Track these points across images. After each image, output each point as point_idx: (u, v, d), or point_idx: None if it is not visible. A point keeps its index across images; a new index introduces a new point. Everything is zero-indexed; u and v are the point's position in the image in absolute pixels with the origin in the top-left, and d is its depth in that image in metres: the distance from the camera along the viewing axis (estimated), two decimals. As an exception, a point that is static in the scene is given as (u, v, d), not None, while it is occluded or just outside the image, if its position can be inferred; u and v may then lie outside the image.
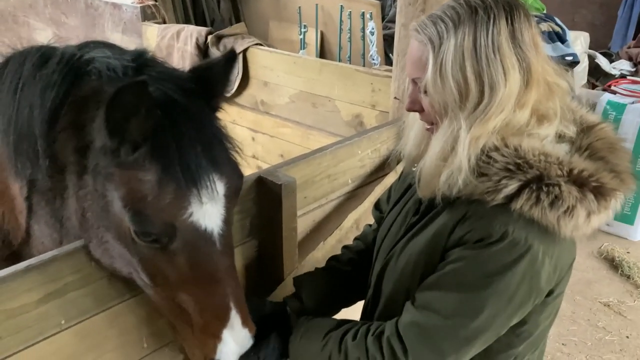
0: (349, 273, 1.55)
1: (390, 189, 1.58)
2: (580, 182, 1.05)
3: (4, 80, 1.32)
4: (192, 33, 3.59)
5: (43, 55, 1.28)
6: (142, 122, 1.08)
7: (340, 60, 3.78)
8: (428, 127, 1.21)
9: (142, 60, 1.26)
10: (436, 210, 1.19)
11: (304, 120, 3.22)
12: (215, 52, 3.52)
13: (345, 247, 1.64)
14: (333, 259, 1.62)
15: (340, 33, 3.76)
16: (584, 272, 3.81)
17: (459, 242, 1.11)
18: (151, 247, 1.16)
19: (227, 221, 1.21)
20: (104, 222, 1.20)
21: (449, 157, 1.10)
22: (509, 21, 1.06)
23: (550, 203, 1.03)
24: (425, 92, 1.13)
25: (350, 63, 3.67)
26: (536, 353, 1.27)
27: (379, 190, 2.02)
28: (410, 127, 1.33)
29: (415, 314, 1.15)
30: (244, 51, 3.41)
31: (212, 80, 1.24)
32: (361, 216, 1.96)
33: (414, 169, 1.30)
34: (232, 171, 1.22)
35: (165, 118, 1.12)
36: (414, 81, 1.17)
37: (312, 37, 3.94)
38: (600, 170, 1.07)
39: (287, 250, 1.73)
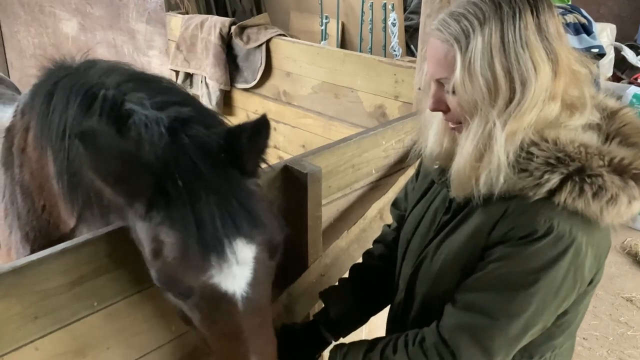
0: (374, 280, 1.54)
1: (405, 188, 1.56)
2: (620, 170, 1.05)
3: (51, 119, 1.34)
4: (216, 23, 3.61)
5: (85, 97, 1.29)
6: (131, 174, 1.06)
7: (361, 52, 3.77)
8: (453, 126, 1.19)
9: (178, 119, 1.21)
10: (470, 207, 1.17)
11: (326, 111, 3.23)
12: (238, 43, 3.54)
13: (366, 253, 1.62)
14: (356, 267, 1.60)
15: (362, 24, 3.75)
16: (606, 267, 3.74)
17: (502, 240, 1.09)
18: (181, 302, 1.18)
19: (255, 283, 1.15)
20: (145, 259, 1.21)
21: (485, 157, 1.08)
22: (534, 13, 1.05)
23: (593, 194, 1.03)
24: (453, 92, 1.11)
25: (371, 54, 3.66)
26: (570, 342, 1.27)
27: (402, 180, 2.03)
28: (429, 125, 1.30)
29: (459, 316, 1.13)
30: (267, 42, 3.42)
31: (244, 147, 1.17)
32: (385, 206, 1.97)
33: (435, 167, 1.29)
34: (264, 233, 1.16)
35: (185, 185, 1.09)
36: (438, 81, 1.14)
37: (333, 28, 3.94)
38: (638, 157, 1.07)
39: (312, 238, 1.75)
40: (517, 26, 1.04)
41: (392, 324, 1.43)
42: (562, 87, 1.09)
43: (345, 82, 3.06)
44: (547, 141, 1.07)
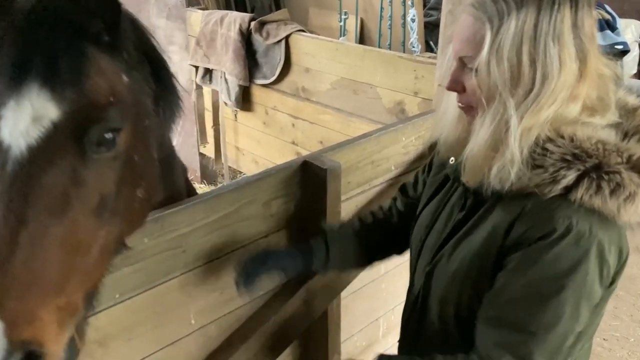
0: (377, 235, 1.54)
1: (416, 176, 1.53)
2: (639, 167, 1.03)
3: None
4: (236, 19, 3.62)
5: None
6: None
7: (380, 48, 3.75)
8: (462, 105, 1.16)
9: None
10: (486, 206, 1.15)
11: (344, 107, 3.22)
12: (258, 39, 3.54)
13: (371, 213, 1.60)
14: (361, 219, 1.58)
15: (381, 20, 3.73)
16: (627, 267, 3.71)
17: (520, 240, 1.06)
18: None
19: (45, 150, 0.93)
20: None
21: (500, 148, 1.06)
22: (573, 9, 1.02)
23: (611, 191, 1.00)
24: (475, 71, 1.08)
25: (390, 50, 3.64)
26: (588, 344, 1.25)
27: (422, 177, 2.01)
28: (444, 112, 1.27)
29: (495, 334, 1.09)
30: (287, 37, 3.42)
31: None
32: (404, 203, 1.96)
33: (451, 162, 1.27)
34: (85, 102, 0.96)
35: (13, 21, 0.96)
36: (461, 59, 1.12)
37: (352, 24, 3.92)
38: None
39: (331, 234, 1.75)
40: (553, 18, 1.01)
41: (409, 323, 1.40)
42: (585, 89, 1.07)
43: (365, 78, 3.04)
44: (563, 137, 1.05)
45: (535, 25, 1.02)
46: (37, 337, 0.86)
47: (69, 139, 0.95)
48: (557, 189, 1.03)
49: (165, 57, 1.33)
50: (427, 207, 1.35)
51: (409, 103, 2.81)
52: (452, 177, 1.27)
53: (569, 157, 1.03)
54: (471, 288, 1.16)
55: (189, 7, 4.08)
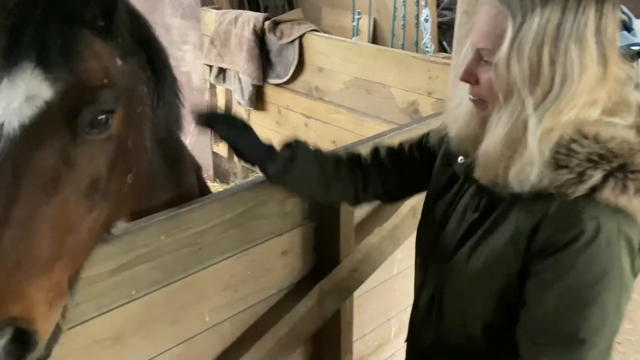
0: (351, 174, 1.49)
1: (426, 138, 1.47)
2: None
3: None
4: (250, 19, 3.64)
5: None
6: None
7: (392, 48, 3.75)
8: (474, 98, 1.14)
9: None
10: (503, 207, 1.13)
11: (357, 107, 3.22)
12: (271, 38, 3.56)
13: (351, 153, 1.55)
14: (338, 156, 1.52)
15: (394, 20, 3.73)
16: (642, 271, 3.68)
17: (547, 245, 1.04)
18: None
19: (36, 128, 0.94)
20: None
21: (518, 148, 1.05)
22: (598, 13, 1.00)
23: (636, 190, 1.00)
24: (494, 66, 1.05)
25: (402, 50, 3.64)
26: None
27: (435, 177, 2.01)
28: (458, 105, 1.24)
29: (543, 348, 1.07)
30: (300, 37, 3.43)
31: None
32: (418, 203, 1.95)
33: (460, 161, 1.24)
34: (70, 84, 0.97)
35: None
36: (478, 51, 1.09)
37: (365, 24, 3.92)
38: None
39: (344, 233, 1.76)
40: (577, 20, 0.99)
41: (418, 325, 1.38)
42: (605, 93, 1.05)
43: (378, 78, 3.04)
44: (587, 137, 1.04)
45: (559, 26, 1.00)
46: (26, 314, 0.86)
47: (61, 119, 0.96)
48: (583, 189, 1.01)
49: (164, 48, 1.34)
50: (435, 206, 1.32)
51: (422, 103, 2.81)
52: (463, 177, 1.24)
53: (595, 157, 1.02)
54: (496, 293, 1.14)
55: (203, 6, 4.10)
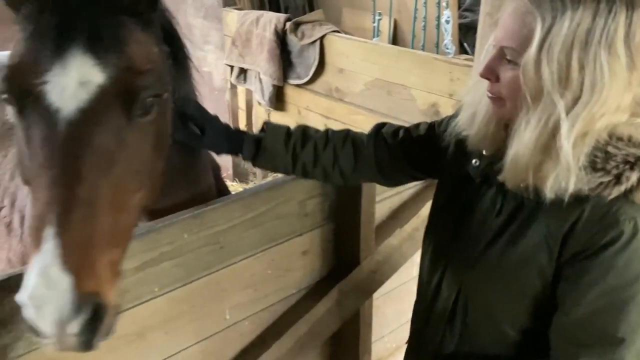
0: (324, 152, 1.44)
1: (437, 129, 1.41)
2: None
3: None
4: (271, 19, 3.66)
5: None
6: None
7: (413, 49, 3.74)
8: (492, 95, 1.11)
9: None
10: (529, 211, 1.11)
11: (377, 108, 3.22)
12: (293, 39, 3.57)
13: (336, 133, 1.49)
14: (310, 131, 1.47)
15: (415, 21, 3.71)
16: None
17: (584, 248, 1.04)
18: (15, 118, 1.04)
19: (92, 112, 0.98)
20: None
21: (551, 153, 1.03)
22: (628, 20, 0.98)
23: None
24: (517, 65, 1.04)
25: (423, 52, 3.63)
26: None
27: (456, 180, 2.00)
28: (476, 103, 1.20)
29: (581, 350, 1.06)
30: (321, 38, 3.44)
31: None
32: (438, 205, 1.95)
33: (474, 163, 1.21)
34: (125, 68, 1.02)
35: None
36: (502, 49, 1.07)
37: (385, 25, 3.91)
38: None
39: (364, 234, 1.76)
40: (607, 25, 0.98)
41: (433, 331, 1.32)
42: (630, 99, 1.04)
43: (399, 79, 3.04)
44: (621, 139, 1.03)
45: (589, 30, 0.98)
46: (100, 290, 0.91)
47: (114, 102, 1.01)
48: (620, 190, 1.01)
49: (185, 41, 1.39)
50: (447, 209, 1.30)
51: (443, 105, 2.79)
52: (479, 179, 1.22)
53: (631, 159, 1.01)
54: (527, 297, 1.13)
55: (225, 7, 4.13)
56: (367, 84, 3.25)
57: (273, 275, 1.65)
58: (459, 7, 4.17)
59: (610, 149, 1.03)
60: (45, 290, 0.87)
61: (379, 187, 1.80)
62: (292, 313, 1.72)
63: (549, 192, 1.04)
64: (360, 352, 1.91)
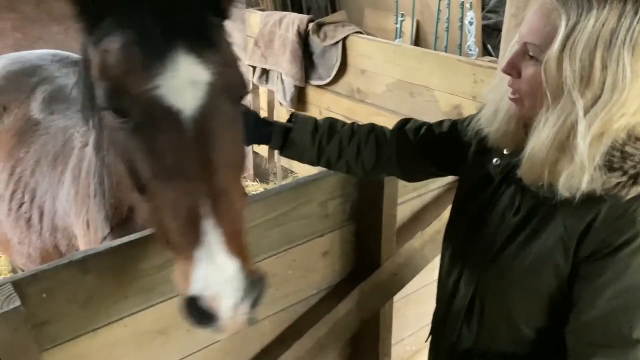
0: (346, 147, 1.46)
1: (460, 125, 1.42)
2: None
3: None
4: (294, 21, 3.67)
5: None
6: None
7: (436, 51, 3.72)
8: (512, 97, 1.11)
9: None
10: (547, 209, 1.11)
11: (400, 109, 3.21)
12: (315, 40, 3.58)
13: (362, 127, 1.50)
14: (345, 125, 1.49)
15: (438, 23, 3.69)
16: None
17: (600, 247, 1.03)
18: (124, 128, 1.04)
19: (210, 115, 1.02)
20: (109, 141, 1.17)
21: (567, 151, 1.03)
22: None
23: None
24: (539, 62, 1.03)
25: (446, 53, 3.60)
26: None
27: (479, 183, 1.99)
28: (499, 100, 1.20)
29: (595, 351, 1.06)
30: (344, 39, 3.44)
31: None
32: (461, 208, 1.94)
33: (495, 162, 1.22)
34: (223, 63, 1.06)
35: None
36: (525, 45, 1.07)
37: (408, 27, 3.90)
38: None
39: (386, 236, 1.76)
40: (633, 27, 0.97)
41: (452, 327, 1.34)
42: None
43: (422, 81, 3.02)
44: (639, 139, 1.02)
45: (614, 31, 0.97)
46: (253, 266, 1.00)
47: (223, 97, 1.05)
48: (637, 191, 1.00)
49: None
50: (468, 207, 1.30)
51: (466, 107, 2.77)
52: (499, 178, 1.22)
53: None
54: (543, 296, 1.13)
55: (248, 8, 4.16)
56: (389, 85, 3.25)
57: (294, 276, 1.65)
58: (483, 9, 4.13)
59: (628, 149, 1.02)
60: (220, 278, 0.93)
61: (401, 189, 1.79)
62: (312, 314, 1.72)
63: (562, 190, 1.04)
64: (380, 355, 1.91)
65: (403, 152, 1.46)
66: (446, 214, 1.93)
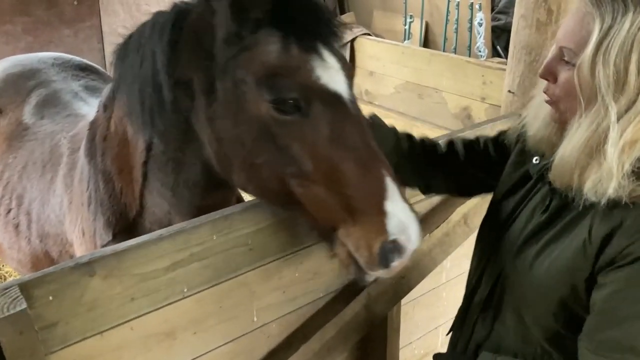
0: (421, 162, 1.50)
1: (502, 135, 1.46)
2: None
3: (131, 51, 1.42)
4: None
5: (157, 14, 1.39)
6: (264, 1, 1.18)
7: (445, 52, 3.70)
8: (548, 99, 1.12)
9: None
10: (576, 213, 1.09)
11: (408, 111, 3.20)
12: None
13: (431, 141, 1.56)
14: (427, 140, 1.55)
15: (447, 24, 3.68)
16: None
17: (620, 256, 1.01)
18: (294, 120, 1.20)
19: (351, 89, 1.26)
20: (242, 127, 1.26)
21: (595, 156, 1.01)
22: None
23: None
24: (577, 68, 1.03)
25: (455, 55, 3.59)
26: None
27: (488, 185, 1.97)
28: (539, 106, 1.22)
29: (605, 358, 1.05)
30: (352, 41, 3.44)
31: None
32: (469, 211, 1.92)
33: (535, 161, 1.23)
34: (342, 53, 1.30)
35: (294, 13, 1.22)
36: (561, 49, 1.07)
37: (416, 28, 3.89)
38: None
39: (394, 239, 1.74)
40: None
41: (470, 319, 1.36)
42: None
43: (430, 83, 3.01)
44: None
45: None
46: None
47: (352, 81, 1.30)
48: None
49: None
50: (504, 202, 1.30)
51: (475, 109, 2.76)
52: (536, 177, 1.23)
53: None
54: (559, 299, 1.12)
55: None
56: (397, 87, 3.24)
57: (301, 278, 1.64)
58: (492, 10, 4.11)
59: None
60: (411, 220, 1.18)
61: (408, 192, 1.78)
62: (320, 316, 1.71)
63: (588, 195, 1.02)
64: (388, 358, 1.89)
65: (459, 169, 1.50)
66: (454, 217, 1.91)
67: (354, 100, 1.24)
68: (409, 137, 1.51)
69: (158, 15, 1.39)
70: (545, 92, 1.12)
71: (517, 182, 1.29)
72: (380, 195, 1.17)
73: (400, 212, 1.17)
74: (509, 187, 1.31)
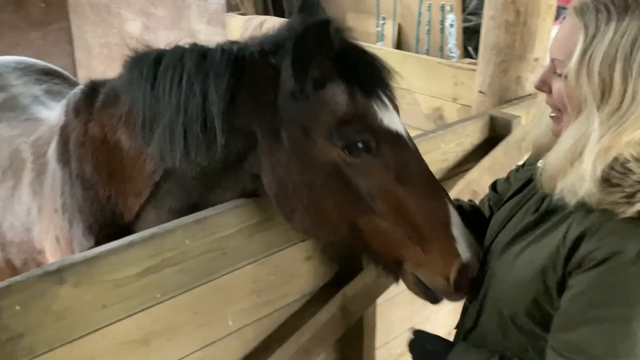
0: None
1: (508, 173, 1.51)
2: None
3: (164, 75, 1.41)
4: (275, 24, 3.63)
5: (200, 51, 1.42)
6: (325, 59, 1.28)
7: (417, 53, 3.74)
8: (552, 114, 1.14)
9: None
10: (561, 215, 1.11)
11: (381, 112, 3.22)
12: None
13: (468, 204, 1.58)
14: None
15: (419, 26, 3.71)
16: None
17: (586, 259, 1.02)
18: (364, 161, 1.29)
19: (406, 129, 1.39)
20: (310, 172, 1.33)
21: (576, 163, 1.03)
22: None
23: None
24: (565, 77, 1.05)
25: (427, 56, 3.62)
26: None
27: (461, 185, 1.99)
28: (542, 114, 1.24)
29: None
30: (325, 42, 3.44)
31: None
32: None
33: (539, 165, 1.24)
34: (393, 94, 1.43)
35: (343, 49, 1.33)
36: (553, 61, 1.09)
37: (389, 30, 3.92)
38: None
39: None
40: None
41: (465, 309, 1.40)
42: None
43: (403, 84, 3.01)
44: None
45: (633, 43, 0.96)
46: None
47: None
48: (631, 211, 0.99)
49: None
50: (507, 203, 1.33)
51: (447, 109, 2.79)
52: (535, 179, 1.24)
53: None
54: (533, 300, 1.13)
55: (228, 12, 4.14)
56: (370, 88, 3.25)
57: (277, 281, 1.64)
58: (463, 11, 4.17)
59: (631, 165, 1.00)
60: (475, 242, 1.30)
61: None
62: (296, 319, 1.71)
63: (564, 195, 1.04)
64: (365, 358, 1.89)
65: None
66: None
67: (409, 136, 1.37)
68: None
69: (200, 50, 1.42)
70: (547, 102, 1.15)
71: (523, 184, 1.32)
72: (446, 223, 1.28)
73: (465, 235, 1.28)
74: (517, 189, 1.34)
